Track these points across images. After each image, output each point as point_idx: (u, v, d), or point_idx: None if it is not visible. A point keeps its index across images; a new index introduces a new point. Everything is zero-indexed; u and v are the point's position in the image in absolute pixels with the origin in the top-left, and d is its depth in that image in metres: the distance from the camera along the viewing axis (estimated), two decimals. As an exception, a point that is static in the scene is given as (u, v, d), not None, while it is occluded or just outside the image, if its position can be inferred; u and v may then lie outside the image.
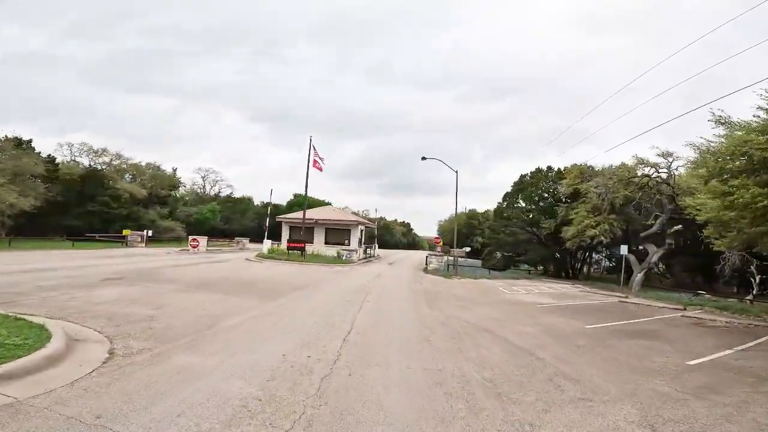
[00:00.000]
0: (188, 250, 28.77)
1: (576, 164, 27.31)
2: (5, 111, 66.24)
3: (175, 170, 54.67)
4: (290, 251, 24.66)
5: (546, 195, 30.73)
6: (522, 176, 35.44)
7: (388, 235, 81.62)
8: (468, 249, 42.65)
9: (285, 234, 29.81)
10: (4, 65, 78.00)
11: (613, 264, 32.45)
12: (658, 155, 20.95)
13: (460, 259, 28.69)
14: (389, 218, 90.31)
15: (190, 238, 29.69)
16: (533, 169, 34.75)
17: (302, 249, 24.25)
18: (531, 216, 29.25)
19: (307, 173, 26.36)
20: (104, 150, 42.58)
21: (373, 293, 13.74)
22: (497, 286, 19.37)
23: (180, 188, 64.67)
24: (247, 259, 24.75)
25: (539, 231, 28.70)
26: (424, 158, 27.56)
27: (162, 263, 18.98)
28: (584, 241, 22.34)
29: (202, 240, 29.91)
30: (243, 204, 67.02)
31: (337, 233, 29.23)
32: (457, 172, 27.43)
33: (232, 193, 73.21)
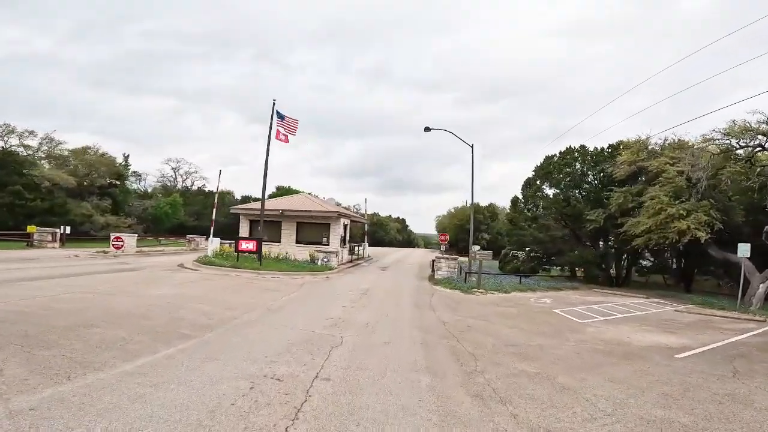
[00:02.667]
0: (109, 252, 21.89)
1: (636, 138, 20.77)
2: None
3: (126, 157, 47.44)
4: (240, 254, 17.87)
5: (589, 179, 24.22)
6: (548, 158, 28.93)
7: (382, 232, 75.79)
8: (477, 248, 36.14)
9: (244, 231, 23.03)
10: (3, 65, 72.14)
11: (653, 266, 25.98)
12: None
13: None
14: (383, 215, 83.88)
15: (113, 236, 22.78)
16: (563, 149, 28.29)
17: (257, 251, 17.49)
18: (569, 206, 22.72)
19: (268, 145, 19.62)
20: (30, 132, 35.16)
21: (346, 343, 7.13)
22: (553, 309, 12.81)
23: (144, 178, 57.47)
24: (179, 265, 17.95)
25: (581, 225, 22.19)
26: (427, 128, 21.23)
27: (7, 275, 12.17)
28: (666, 238, 15.85)
29: (129, 239, 23.06)
30: (218, 198, 59.66)
31: (312, 229, 22.54)
32: (472, 146, 21.11)
33: (204, 185, 65.99)
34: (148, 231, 45.79)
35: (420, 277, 19.99)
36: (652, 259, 26.63)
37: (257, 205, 24.40)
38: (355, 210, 79.21)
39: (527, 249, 26.55)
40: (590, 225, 21.27)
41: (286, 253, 21.74)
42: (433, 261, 19.52)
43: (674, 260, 25.99)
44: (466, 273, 17.78)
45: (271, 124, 19.59)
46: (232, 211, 24.35)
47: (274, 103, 19.65)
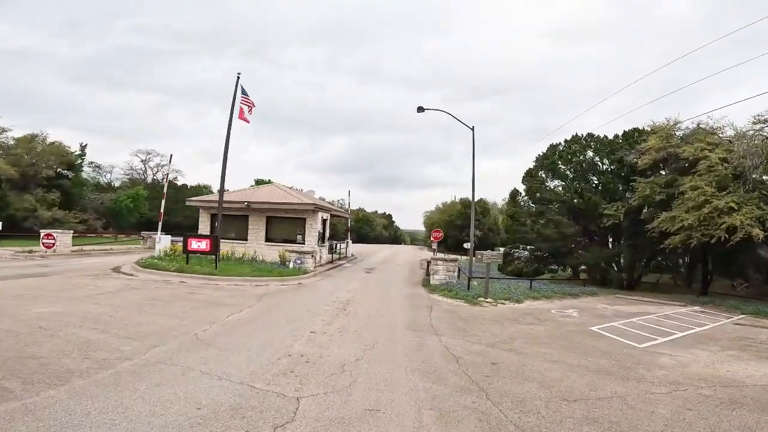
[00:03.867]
0: (37, 251, 18.30)
1: (664, 122, 18.17)
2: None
3: (83, 146, 43.09)
4: (191, 255, 14.58)
5: (602, 169, 21.67)
6: (552, 146, 26.37)
7: (368, 228, 73.43)
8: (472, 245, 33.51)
9: (204, 227, 19.70)
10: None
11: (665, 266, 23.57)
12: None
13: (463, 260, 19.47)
14: (369, 210, 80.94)
15: (43, 233, 19.16)
16: (569, 137, 25.74)
17: (212, 251, 14.23)
18: (582, 199, 20.11)
19: (230, 124, 16.40)
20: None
21: (301, 418, 4.06)
22: (589, 326, 10.03)
23: (110, 170, 53.17)
24: (114, 269, 14.62)
25: (595, 221, 19.61)
26: (421, 108, 18.56)
27: None
28: (711, 236, 13.25)
29: (63, 237, 19.50)
30: (190, 193, 55.71)
31: (285, 225, 19.36)
32: (473, 128, 18.51)
33: (176, 178, 61.69)
34: (109, 227, 41.81)
35: (412, 281, 17.07)
36: (659, 259, 24.29)
37: (216, 197, 21.09)
38: (339, 205, 75.87)
39: (530, 248, 23.92)
40: (607, 220, 18.69)
41: (254, 253, 18.55)
42: (429, 262, 16.62)
43: (684, 260, 23.66)
44: (468, 278, 14.92)
45: (234, 100, 16.42)
46: (188, 203, 20.96)
47: (238, 77, 16.52)
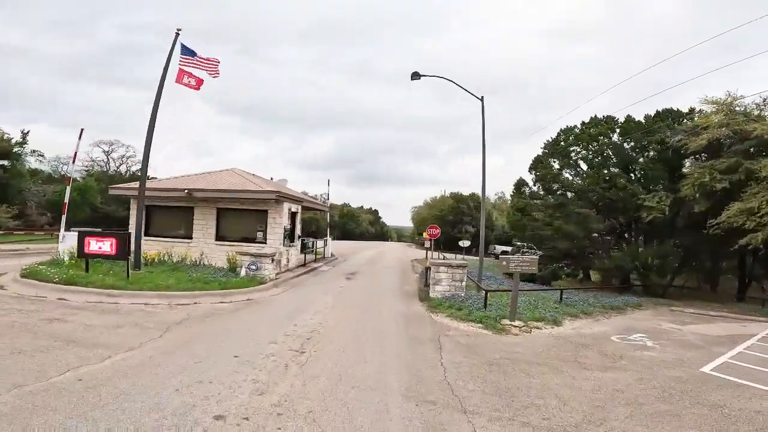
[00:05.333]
0: None
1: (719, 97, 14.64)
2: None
3: (25, 134, 37.86)
4: (93, 259, 10.39)
5: (631, 155, 18.16)
6: (566, 130, 22.90)
7: (353, 224, 69.98)
8: (467, 243, 30.03)
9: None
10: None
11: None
12: None
13: (453, 261, 15.52)
14: (354, 205, 77.30)
15: None
16: (587, 120, 22.25)
17: (121, 255, 10.05)
18: (614, 187, 16.54)
19: (159, 89, 12.37)
20: None
21: None
22: (703, 367, 6.37)
23: (57, 160, 47.88)
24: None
25: (627, 216, 16.11)
26: (416, 74, 14.98)
27: None
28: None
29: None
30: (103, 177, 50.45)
31: (242, 219, 15.29)
32: (482, 98, 15.01)
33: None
34: (55, 222, 37.01)
35: (405, 292, 13.26)
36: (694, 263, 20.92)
37: (161, 183, 16.88)
38: (323, 201, 70.30)
39: (544, 247, 20.34)
40: (647, 214, 15.20)
41: (201, 256, 14.49)
42: (427, 269, 12.79)
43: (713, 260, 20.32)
44: (482, 289, 11.17)
45: (168, 60, 12.48)
46: (111, 192, 16.71)
47: (177, 35, 12.53)
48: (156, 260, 13.23)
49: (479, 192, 52.68)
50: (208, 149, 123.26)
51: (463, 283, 11.87)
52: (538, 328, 9.07)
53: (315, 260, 20.34)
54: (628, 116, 18.90)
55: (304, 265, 18.12)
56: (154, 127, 12.43)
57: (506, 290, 12.73)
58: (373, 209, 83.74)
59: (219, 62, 13.42)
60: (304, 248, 19.40)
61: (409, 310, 10.25)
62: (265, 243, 14.69)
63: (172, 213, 15.43)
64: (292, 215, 16.87)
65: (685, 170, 14.50)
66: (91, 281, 9.59)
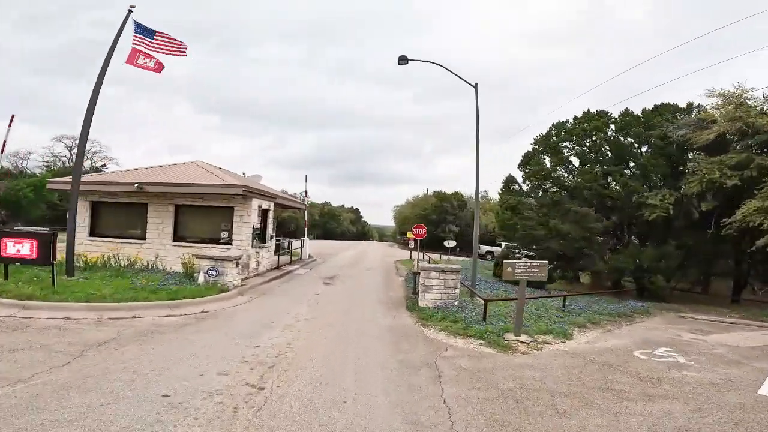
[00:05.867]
0: None
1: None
2: None
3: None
4: (11, 264, 8.53)
5: (630, 150, 17.26)
6: (558, 124, 22.01)
7: (334, 223, 68.07)
8: (453, 243, 28.89)
9: (83, 220, 13.42)
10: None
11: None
12: None
13: (443, 263, 14.15)
14: (335, 204, 75.66)
15: None
16: (580, 114, 21.37)
17: (43, 260, 8.23)
18: (614, 185, 15.55)
19: (103, 70, 10.62)
20: None
21: None
22: (758, 389, 5.02)
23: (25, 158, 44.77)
24: None
25: (633, 213, 15.16)
26: (403, 59, 13.77)
27: None
28: None
29: None
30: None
31: (204, 217, 13.53)
32: (475, 85, 13.77)
33: (104, 166, 53.39)
34: (6, 222, 33.97)
35: (390, 300, 11.82)
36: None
37: (101, 177, 15.01)
38: (301, 198, 67.83)
39: (535, 248, 19.27)
40: (649, 213, 14.24)
41: (156, 259, 12.72)
42: (417, 274, 11.33)
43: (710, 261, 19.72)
44: (479, 299, 9.84)
45: (116, 38, 10.79)
46: (49, 186, 14.69)
47: (129, 12, 10.84)
48: (98, 264, 11.38)
49: (463, 191, 51.13)
50: (189, 147, 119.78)
51: (457, 290, 10.51)
52: (547, 343, 7.78)
53: (290, 263, 18.70)
54: (626, 110, 18.03)
55: (277, 268, 16.46)
56: (92, 113, 10.68)
57: (506, 299, 11.49)
58: (354, 208, 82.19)
59: (186, 46, 11.75)
60: (278, 249, 17.71)
61: (397, 323, 8.80)
62: (231, 244, 13.00)
63: (122, 210, 13.56)
64: (264, 213, 15.19)
65: (690, 165, 13.60)
66: (6, 290, 7.75)
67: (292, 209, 25.21)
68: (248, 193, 12.95)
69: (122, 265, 11.85)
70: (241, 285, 11.33)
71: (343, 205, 77.95)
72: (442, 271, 10.41)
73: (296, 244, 21.99)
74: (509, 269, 8.00)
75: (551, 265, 18.66)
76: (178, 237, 13.45)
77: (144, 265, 12.15)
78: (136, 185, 12.37)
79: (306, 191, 23.26)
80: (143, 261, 12.44)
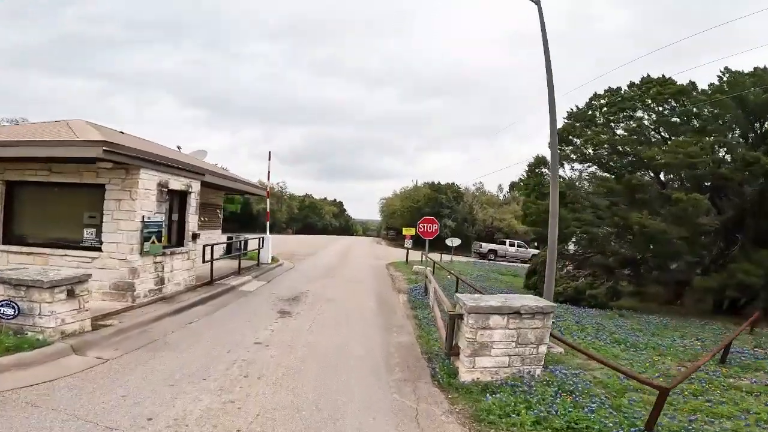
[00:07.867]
0: None
1: None
2: None
3: None
4: None
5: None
6: (610, 92, 17.07)
7: (316, 217, 63.66)
8: (457, 242, 23.60)
9: None
10: None
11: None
12: None
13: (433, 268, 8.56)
14: (317, 197, 70.65)
15: None
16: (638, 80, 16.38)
17: None
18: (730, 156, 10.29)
19: None
20: None
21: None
22: None
23: None
24: None
25: (748, 201, 9.93)
26: None
27: None
28: None
29: None
30: None
31: (59, 200, 7.78)
32: (538, 2, 7.99)
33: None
34: None
35: (397, 354, 6.30)
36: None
37: None
38: (279, 189, 61.29)
39: (590, 253, 13.96)
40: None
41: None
42: (455, 318, 5.59)
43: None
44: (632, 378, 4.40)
45: None
46: None
47: None
48: None
49: (458, 183, 45.50)
50: (176, 140, 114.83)
51: (542, 349, 5.06)
52: None
53: (239, 271, 12.97)
54: (726, 67, 12.83)
55: (210, 283, 10.74)
56: None
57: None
58: (337, 201, 76.95)
59: None
60: (231, 251, 12.08)
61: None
62: (101, 249, 7.25)
63: None
64: (179, 197, 9.42)
65: None
66: None
67: (243, 194, 19.38)
68: (130, 161, 7.15)
69: None
70: (103, 325, 5.65)
71: (325, 198, 72.55)
72: (517, 313, 4.90)
73: (253, 243, 16.16)
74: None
75: (612, 275, 13.49)
76: (10, 237, 7.63)
77: None
78: None
79: (269, 173, 17.37)
80: None
